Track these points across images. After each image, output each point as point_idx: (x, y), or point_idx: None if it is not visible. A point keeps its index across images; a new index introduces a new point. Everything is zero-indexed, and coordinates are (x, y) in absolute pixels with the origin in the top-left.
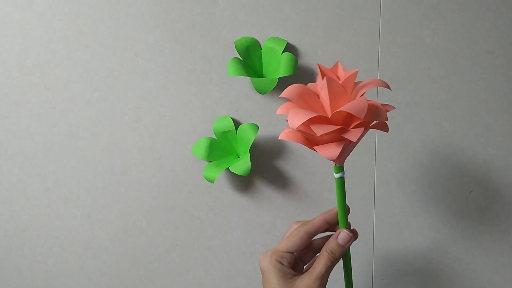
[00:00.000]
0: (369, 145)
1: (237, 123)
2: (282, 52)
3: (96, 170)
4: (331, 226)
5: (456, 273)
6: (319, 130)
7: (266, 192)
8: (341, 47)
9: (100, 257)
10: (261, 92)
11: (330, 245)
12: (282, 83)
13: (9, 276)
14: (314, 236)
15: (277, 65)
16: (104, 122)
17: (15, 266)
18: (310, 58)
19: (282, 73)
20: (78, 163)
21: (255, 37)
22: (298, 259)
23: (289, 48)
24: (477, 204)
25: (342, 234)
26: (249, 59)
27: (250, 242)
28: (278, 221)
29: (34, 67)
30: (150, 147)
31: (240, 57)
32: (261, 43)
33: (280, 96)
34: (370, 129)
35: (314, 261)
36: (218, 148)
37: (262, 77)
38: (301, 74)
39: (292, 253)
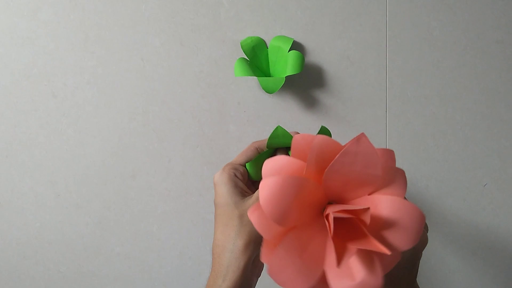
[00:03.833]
0: (380, 141)
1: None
2: (289, 50)
3: (106, 176)
4: None
5: (472, 268)
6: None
7: None
8: (348, 43)
9: (113, 262)
10: (268, 91)
11: None
12: (290, 82)
13: (23, 284)
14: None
15: (284, 64)
16: (112, 127)
17: (28, 274)
18: (317, 55)
19: (289, 72)
20: (87, 170)
21: (260, 37)
22: (252, 186)
23: (296, 46)
24: (492, 198)
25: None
26: (256, 58)
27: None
28: None
29: (42, 76)
30: (159, 151)
31: (246, 57)
32: (267, 42)
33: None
34: (380, 126)
35: None
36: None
37: (269, 76)
38: (308, 72)
39: (244, 166)
